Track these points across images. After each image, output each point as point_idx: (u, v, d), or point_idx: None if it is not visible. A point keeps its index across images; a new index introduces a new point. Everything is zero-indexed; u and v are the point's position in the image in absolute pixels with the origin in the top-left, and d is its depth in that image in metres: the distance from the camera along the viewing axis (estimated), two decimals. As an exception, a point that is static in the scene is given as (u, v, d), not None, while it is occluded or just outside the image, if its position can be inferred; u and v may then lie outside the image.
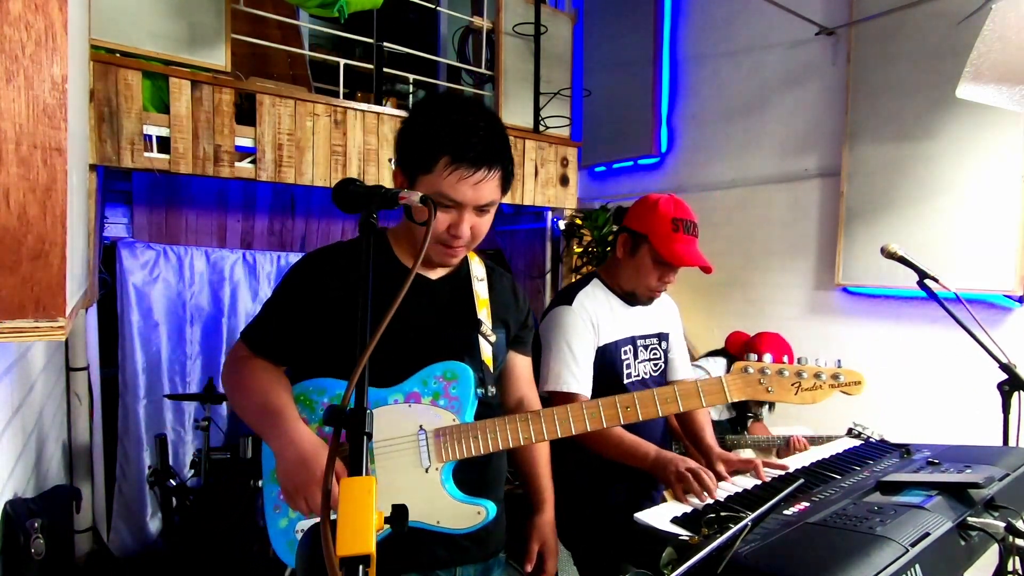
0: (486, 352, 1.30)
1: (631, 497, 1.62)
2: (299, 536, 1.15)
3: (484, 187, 1.14)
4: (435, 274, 1.30)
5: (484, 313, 1.32)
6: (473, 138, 1.12)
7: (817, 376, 1.25)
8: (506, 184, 1.20)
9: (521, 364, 1.46)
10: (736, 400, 1.26)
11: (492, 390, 1.28)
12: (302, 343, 1.23)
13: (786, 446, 2.44)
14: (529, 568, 1.40)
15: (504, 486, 1.36)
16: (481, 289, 1.34)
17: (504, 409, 1.42)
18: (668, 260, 1.63)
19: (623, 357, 1.71)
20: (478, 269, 1.37)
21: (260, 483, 1.23)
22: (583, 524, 1.72)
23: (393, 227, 1.32)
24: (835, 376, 1.25)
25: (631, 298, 1.75)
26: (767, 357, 1.26)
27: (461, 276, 1.33)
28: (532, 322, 1.47)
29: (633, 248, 1.70)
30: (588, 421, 1.22)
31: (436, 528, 1.17)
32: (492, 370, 1.31)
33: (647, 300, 1.75)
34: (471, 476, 1.21)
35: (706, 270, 1.65)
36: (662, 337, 1.84)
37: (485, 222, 1.21)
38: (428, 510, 1.16)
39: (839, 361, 1.27)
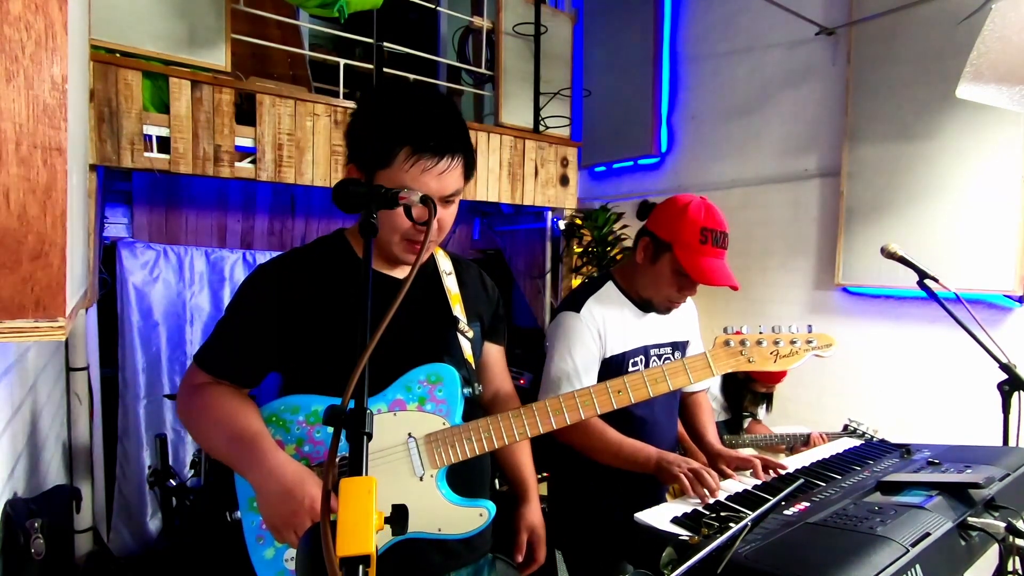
0: (466, 349, 1.26)
1: (630, 508, 1.62)
2: (288, 564, 1.09)
3: (448, 177, 1.09)
4: (402, 273, 1.22)
5: (458, 308, 1.27)
6: (432, 126, 1.07)
7: (793, 343, 1.31)
8: (468, 172, 1.15)
9: (495, 354, 1.41)
10: (721, 372, 1.28)
11: (479, 388, 1.25)
12: (266, 361, 1.16)
13: (805, 444, 2.43)
14: (520, 558, 1.38)
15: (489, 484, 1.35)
16: (451, 283, 1.29)
17: (481, 403, 1.39)
18: (692, 276, 1.53)
19: (631, 369, 1.64)
20: (444, 263, 1.31)
21: (237, 514, 1.14)
22: (579, 529, 1.71)
23: (351, 227, 1.25)
24: (809, 341, 1.31)
25: (646, 305, 1.67)
26: (745, 328, 1.29)
27: (429, 272, 1.28)
28: (503, 310, 1.43)
29: (655, 255, 1.58)
30: (581, 409, 1.20)
31: (437, 536, 1.13)
32: (474, 367, 1.27)
33: (664, 311, 1.66)
34: (462, 478, 1.18)
35: (732, 289, 1.56)
36: (677, 347, 1.76)
37: (451, 214, 1.16)
38: (428, 519, 1.11)
39: (810, 327, 1.33)
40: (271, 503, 1.00)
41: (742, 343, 1.28)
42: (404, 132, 1.06)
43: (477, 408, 1.26)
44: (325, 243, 1.24)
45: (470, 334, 1.27)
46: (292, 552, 1.09)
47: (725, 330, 1.29)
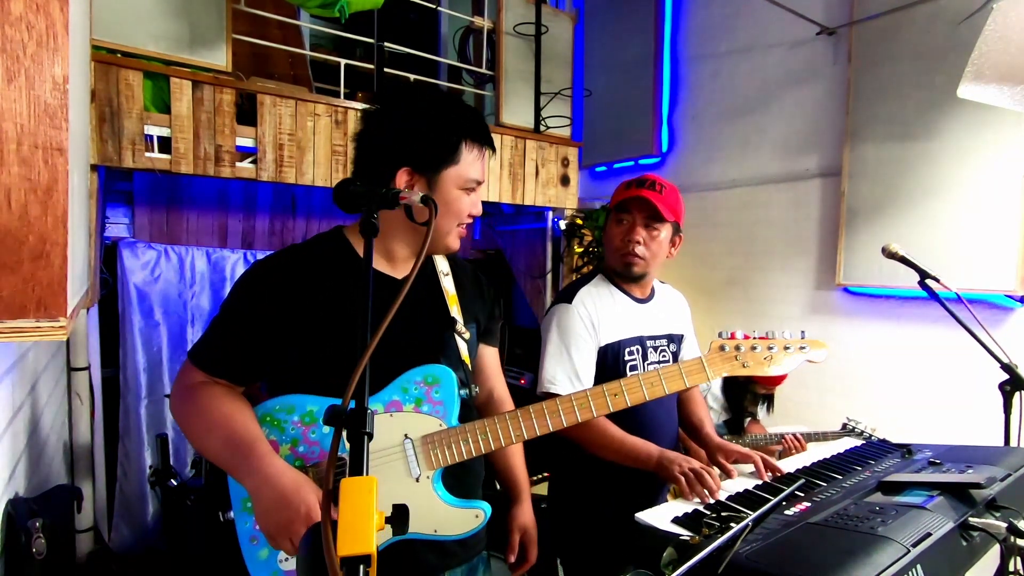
0: (463, 350, 1.25)
1: (630, 507, 1.62)
2: (283, 565, 1.08)
3: (486, 162, 1.23)
4: (400, 272, 1.21)
5: (455, 310, 1.27)
6: (479, 119, 1.20)
7: (786, 348, 1.34)
8: None
9: (489, 356, 1.42)
10: (716, 376, 1.33)
11: (475, 389, 1.26)
12: (264, 359, 1.13)
13: (779, 443, 2.43)
14: (512, 559, 1.39)
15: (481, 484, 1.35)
16: (449, 284, 1.29)
17: (475, 404, 1.39)
18: (615, 208, 1.69)
19: (627, 358, 1.67)
20: (442, 263, 1.31)
21: (230, 515, 1.11)
22: (579, 529, 1.71)
23: (351, 225, 1.24)
24: (801, 347, 1.35)
25: (630, 284, 1.73)
26: (739, 333, 1.35)
27: (427, 273, 1.28)
28: (499, 311, 1.44)
29: (605, 226, 1.77)
30: (578, 412, 1.21)
31: (433, 537, 1.13)
32: (471, 368, 1.27)
33: (627, 271, 1.69)
34: (456, 479, 1.18)
35: (654, 206, 1.61)
36: (672, 339, 1.79)
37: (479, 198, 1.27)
38: (424, 520, 1.11)
39: (803, 333, 1.38)
40: (267, 510, 0.98)
41: (736, 348, 1.33)
42: (466, 128, 1.16)
43: (472, 410, 1.26)
44: (324, 241, 1.22)
45: (467, 335, 1.27)
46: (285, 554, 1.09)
47: (720, 335, 1.34)
